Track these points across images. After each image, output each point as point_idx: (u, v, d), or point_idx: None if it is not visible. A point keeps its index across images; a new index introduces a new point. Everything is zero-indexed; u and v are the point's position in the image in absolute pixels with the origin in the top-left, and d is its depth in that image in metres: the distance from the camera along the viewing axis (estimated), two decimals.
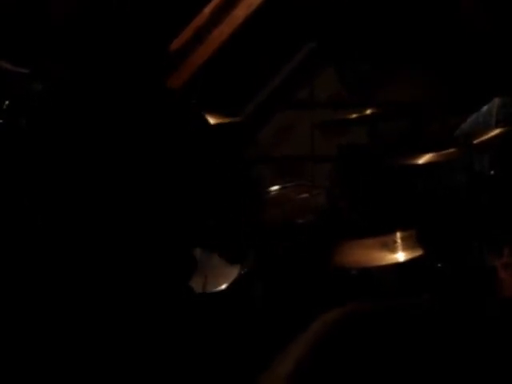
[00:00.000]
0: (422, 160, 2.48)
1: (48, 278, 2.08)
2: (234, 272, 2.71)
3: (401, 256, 2.48)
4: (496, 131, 2.61)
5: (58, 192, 2.08)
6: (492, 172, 2.83)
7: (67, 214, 2.08)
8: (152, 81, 2.14)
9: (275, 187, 3.29)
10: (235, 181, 3.42)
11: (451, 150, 2.48)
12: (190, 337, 2.11)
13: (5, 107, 2.08)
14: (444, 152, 2.48)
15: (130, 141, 2.05)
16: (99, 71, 2.11)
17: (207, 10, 3.90)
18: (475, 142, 2.49)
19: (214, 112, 2.87)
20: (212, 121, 2.73)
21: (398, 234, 2.57)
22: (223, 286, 2.62)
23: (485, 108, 3.02)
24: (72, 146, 2.07)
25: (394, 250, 2.52)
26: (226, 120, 3.09)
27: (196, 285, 2.34)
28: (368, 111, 3.12)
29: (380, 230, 2.63)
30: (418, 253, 2.44)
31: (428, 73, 3.82)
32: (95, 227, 2.04)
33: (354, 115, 3.15)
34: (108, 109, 2.07)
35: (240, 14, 3.88)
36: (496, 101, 2.98)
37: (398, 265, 2.46)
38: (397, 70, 3.91)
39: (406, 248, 2.51)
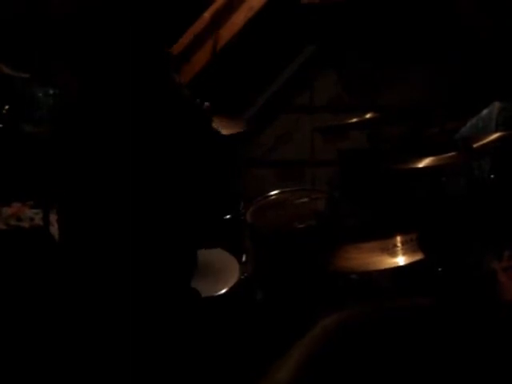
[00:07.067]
0: (422, 164, 2.48)
1: (50, 276, 2.08)
2: (233, 277, 2.71)
3: (401, 260, 2.48)
4: (496, 135, 2.60)
5: (65, 189, 2.08)
6: (492, 176, 2.82)
7: (72, 212, 2.08)
8: (156, 81, 2.14)
9: (275, 191, 3.29)
10: (232, 183, 3.43)
11: (451, 154, 2.48)
12: (188, 341, 2.10)
13: (4, 111, 2.08)
14: (444, 156, 2.48)
15: (135, 140, 2.04)
16: (102, 72, 2.10)
17: (207, 14, 3.90)
18: (475, 145, 2.48)
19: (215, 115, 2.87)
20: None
21: (398, 238, 2.57)
22: (222, 291, 2.62)
23: (485, 112, 3.02)
24: (80, 144, 2.06)
25: (394, 254, 2.51)
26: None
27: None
28: (368, 115, 3.12)
29: (380, 234, 2.62)
30: (418, 257, 2.44)
31: (428, 76, 3.82)
32: (99, 226, 2.04)
33: (354, 119, 3.15)
34: (114, 108, 2.06)
35: (240, 17, 3.89)
36: (496, 104, 2.98)
37: (399, 269, 2.46)
38: (397, 73, 3.91)
39: (406, 252, 2.51)
